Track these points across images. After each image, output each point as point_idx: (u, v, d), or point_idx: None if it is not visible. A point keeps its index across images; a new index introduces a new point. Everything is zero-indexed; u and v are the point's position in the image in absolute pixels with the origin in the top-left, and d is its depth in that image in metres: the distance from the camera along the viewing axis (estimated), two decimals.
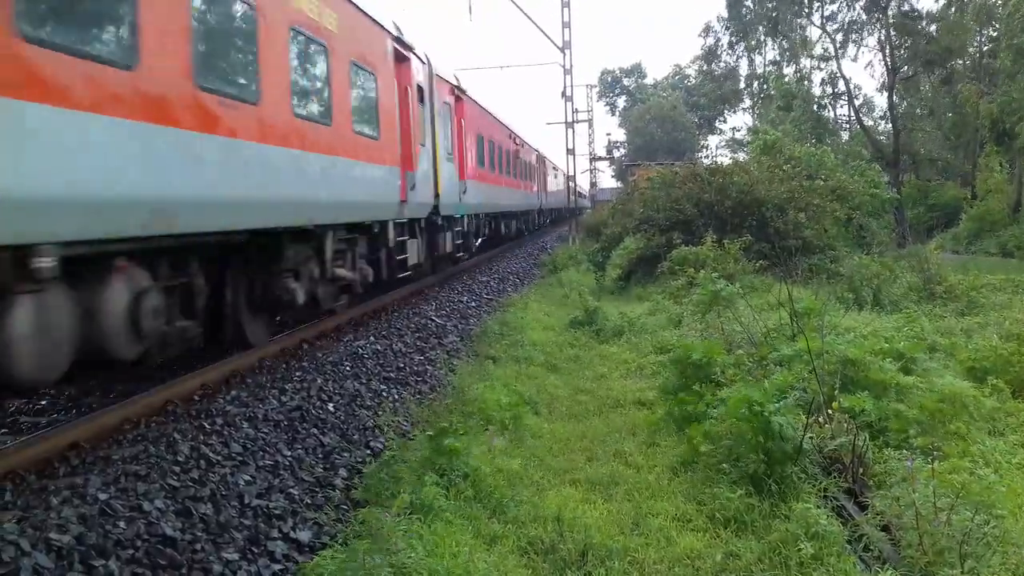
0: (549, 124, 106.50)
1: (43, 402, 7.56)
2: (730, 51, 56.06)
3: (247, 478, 5.81)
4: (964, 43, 38.32)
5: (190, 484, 5.45)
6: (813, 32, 46.74)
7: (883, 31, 41.68)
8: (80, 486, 5.11)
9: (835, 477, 6.12)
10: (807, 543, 4.99)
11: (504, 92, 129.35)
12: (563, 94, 33.57)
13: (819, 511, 5.33)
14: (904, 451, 6.35)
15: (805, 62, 48.68)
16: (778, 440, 6.09)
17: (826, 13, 43.89)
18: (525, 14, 31.30)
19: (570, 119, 34.48)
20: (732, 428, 6.44)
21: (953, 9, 39.13)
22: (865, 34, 43.44)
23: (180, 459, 5.80)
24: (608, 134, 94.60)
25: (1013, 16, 31.16)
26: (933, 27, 39.65)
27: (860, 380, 7.80)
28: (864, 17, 42.68)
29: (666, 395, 8.54)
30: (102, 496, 5.00)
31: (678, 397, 8.06)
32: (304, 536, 5.25)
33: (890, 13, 40.28)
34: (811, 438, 6.40)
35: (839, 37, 44.06)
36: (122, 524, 4.76)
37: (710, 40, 56.34)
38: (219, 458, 5.99)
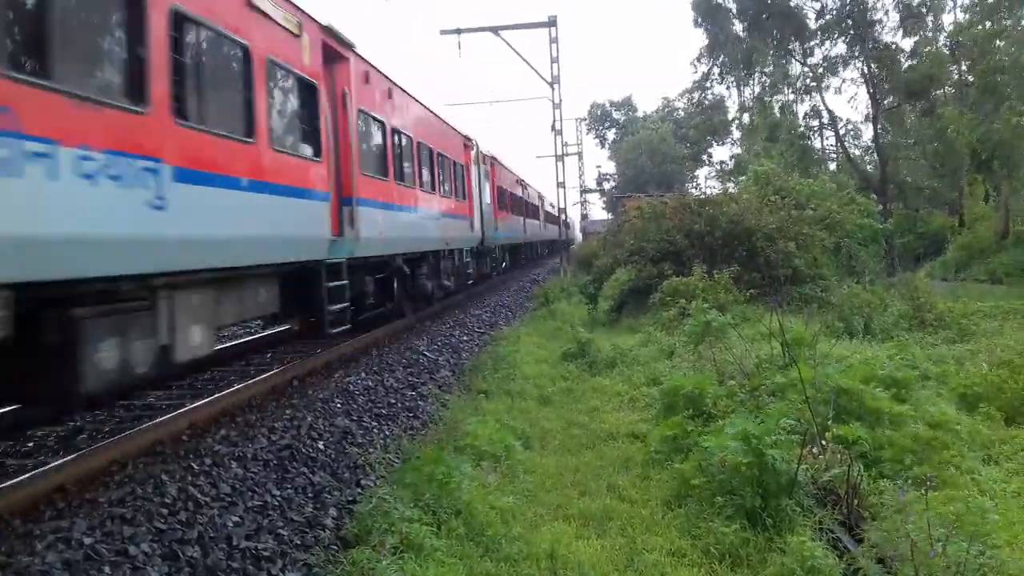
0: (540, 157, 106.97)
1: (30, 444, 7.47)
2: (719, 80, 56.43)
3: (236, 519, 5.73)
4: (943, 73, 38.78)
5: (177, 527, 5.37)
6: (795, 67, 47.22)
7: (865, 64, 42.15)
8: (65, 530, 5.03)
9: (830, 509, 6.08)
10: None
11: (495, 126, 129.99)
12: (553, 128, 33.76)
13: (815, 544, 5.29)
14: (899, 481, 6.33)
15: (788, 95, 49.11)
16: (773, 473, 6.06)
17: (806, 49, 44.31)
18: (514, 50, 31.53)
19: (560, 152, 34.63)
20: (726, 461, 6.40)
21: (928, 48, 39.78)
22: (847, 68, 43.90)
23: (167, 501, 5.72)
24: (598, 166, 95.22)
25: (980, 56, 31.75)
26: (912, 61, 40.16)
27: (853, 410, 7.78)
28: (844, 52, 43.15)
29: (659, 428, 8.49)
30: (87, 540, 4.91)
31: (668, 424, 8.04)
32: None
33: (869, 46, 40.75)
34: (805, 469, 6.36)
35: (820, 71, 44.48)
36: (107, 569, 4.68)
37: (702, 68, 56.72)
38: (207, 499, 5.91)
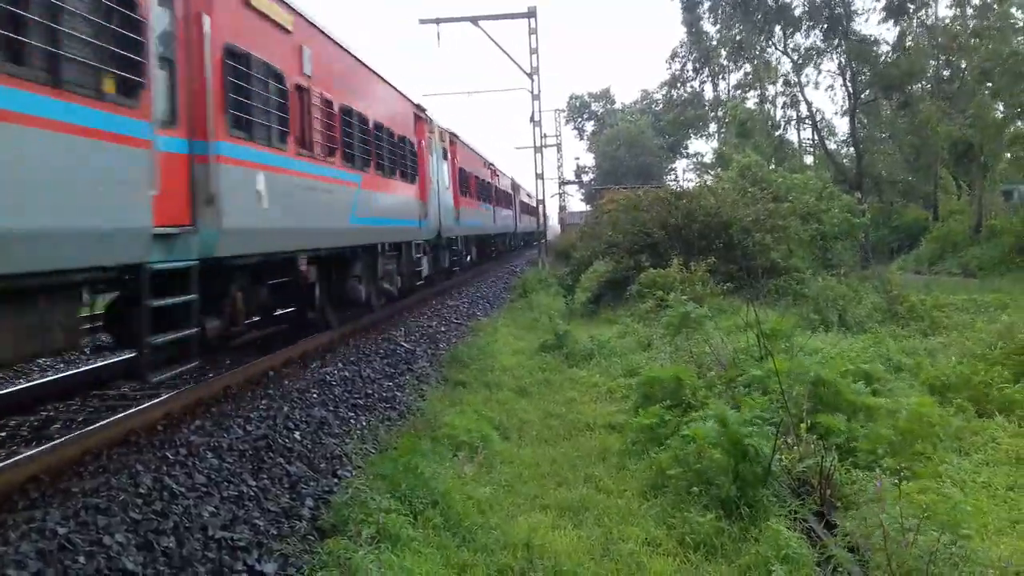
0: (519, 149, 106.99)
1: (3, 433, 7.39)
2: (694, 75, 56.72)
3: (211, 509, 5.69)
4: (922, 68, 39.10)
5: (152, 517, 5.33)
6: (776, 57, 47.53)
7: (842, 56, 42.45)
8: (39, 520, 4.98)
9: (804, 499, 6.14)
10: (778, 566, 4.99)
11: (473, 117, 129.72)
12: (531, 119, 33.77)
13: (789, 534, 5.34)
14: (872, 471, 6.40)
15: (769, 88, 49.47)
16: (749, 463, 6.12)
17: (788, 38, 44.63)
18: (494, 41, 31.50)
19: (539, 144, 34.66)
20: (702, 451, 6.45)
21: (909, 41, 40.05)
22: (825, 60, 44.22)
23: (142, 491, 5.67)
24: (577, 158, 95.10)
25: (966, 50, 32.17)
26: (891, 54, 40.46)
27: (828, 401, 7.85)
28: (821, 44, 43.47)
29: (636, 418, 8.54)
30: (61, 530, 4.87)
31: (646, 414, 8.09)
32: (269, 568, 5.15)
33: (852, 38, 41.04)
34: (780, 460, 6.42)
35: (800, 62, 44.81)
36: (82, 559, 4.64)
37: (676, 66, 57.00)
38: (182, 489, 5.87)
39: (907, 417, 7.47)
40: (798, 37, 44.13)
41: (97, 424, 7.03)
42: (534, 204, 50.16)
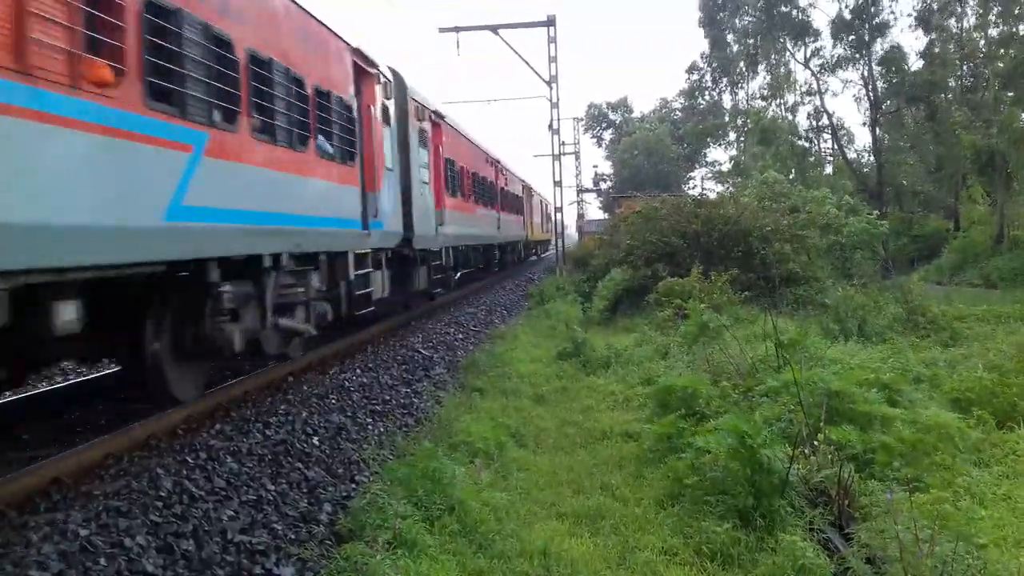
0: (537, 156, 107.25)
1: (25, 436, 7.49)
2: (713, 86, 56.70)
3: (230, 513, 5.75)
4: (946, 79, 38.89)
5: (172, 520, 5.39)
6: (797, 67, 47.49)
7: (867, 67, 42.33)
8: (61, 522, 5.05)
9: (821, 509, 6.13)
10: None
11: (492, 125, 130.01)
12: (550, 127, 33.80)
13: (806, 544, 5.33)
14: (889, 483, 6.37)
15: (789, 97, 49.41)
16: (765, 473, 6.10)
17: (810, 50, 44.60)
18: (513, 49, 31.56)
19: (557, 152, 34.68)
20: (719, 461, 6.45)
21: (938, 49, 39.84)
22: (850, 70, 44.08)
23: (162, 494, 5.73)
24: (595, 166, 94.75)
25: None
26: (919, 64, 40.31)
27: (846, 411, 7.82)
28: (845, 53, 43.29)
29: (653, 427, 8.53)
30: (83, 532, 4.93)
31: (661, 424, 8.09)
32: (287, 572, 5.20)
33: (875, 50, 40.98)
34: (797, 470, 6.41)
35: (820, 70, 44.75)
36: (103, 561, 4.70)
37: (695, 76, 57.03)
38: (202, 493, 5.93)
39: (920, 428, 7.43)
40: (823, 52, 44.12)
41: (119, 428, 7.10)
42: (518, 191, 46.46)
